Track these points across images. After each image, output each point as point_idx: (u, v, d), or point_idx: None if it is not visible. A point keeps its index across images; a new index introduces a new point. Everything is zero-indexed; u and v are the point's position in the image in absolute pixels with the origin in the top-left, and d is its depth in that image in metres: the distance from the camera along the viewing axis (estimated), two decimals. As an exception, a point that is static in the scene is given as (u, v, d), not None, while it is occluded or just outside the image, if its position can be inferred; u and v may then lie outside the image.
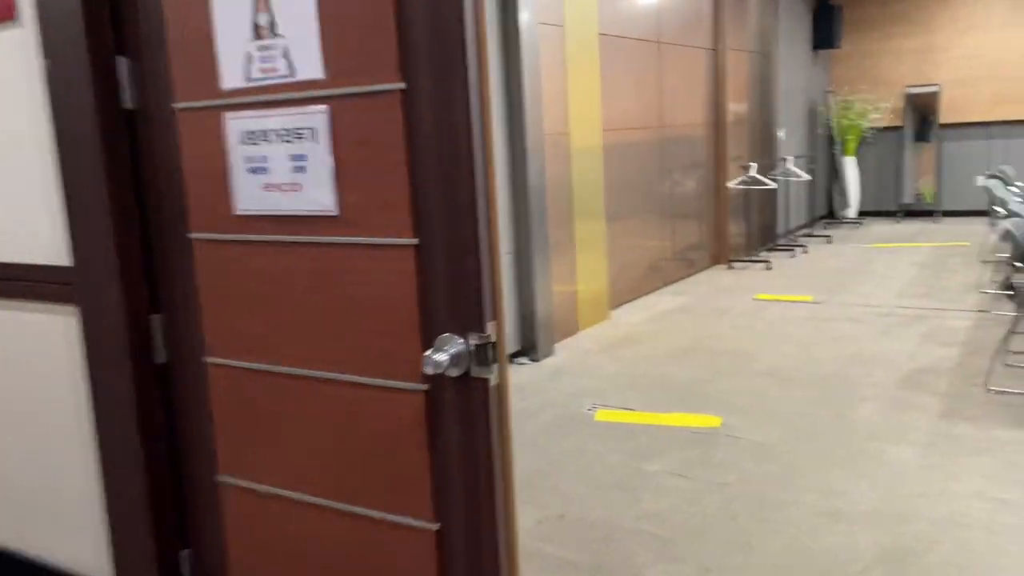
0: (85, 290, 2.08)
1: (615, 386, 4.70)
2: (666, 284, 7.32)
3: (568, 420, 4.19)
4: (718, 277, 7.71)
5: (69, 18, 1.88)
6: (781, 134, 9.26)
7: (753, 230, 8.76)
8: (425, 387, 1.63)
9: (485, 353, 1.56)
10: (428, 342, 1.59)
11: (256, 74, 1.66)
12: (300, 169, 1.67)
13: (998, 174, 7.67)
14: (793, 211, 9.81)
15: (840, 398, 4.30)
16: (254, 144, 1.71)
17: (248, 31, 1.65)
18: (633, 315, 6.34)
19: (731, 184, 8.15)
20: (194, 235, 1.87)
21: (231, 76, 1.70)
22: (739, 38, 8.29)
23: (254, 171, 1.73)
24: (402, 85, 1.53)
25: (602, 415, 4.23)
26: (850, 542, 2.88)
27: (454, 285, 1.57)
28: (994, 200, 6.12)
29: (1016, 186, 7.32)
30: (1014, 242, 4.49)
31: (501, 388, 1.59)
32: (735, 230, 8.41)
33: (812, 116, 10.45)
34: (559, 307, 5.59)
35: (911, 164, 10.56)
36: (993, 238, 7.34)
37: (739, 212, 8.46)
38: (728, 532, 3.00)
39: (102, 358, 2.10)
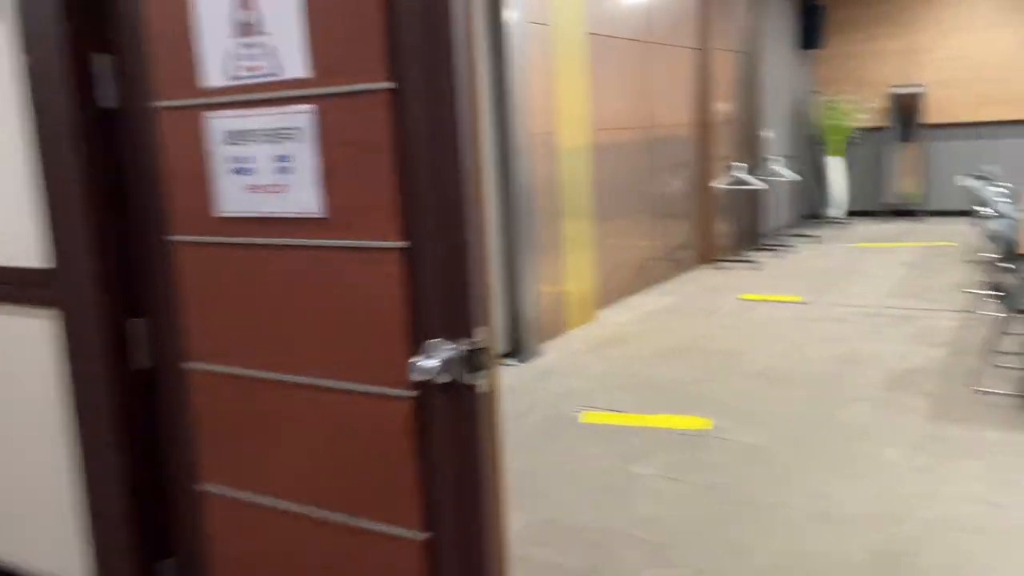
0: (65, 293, 2.03)
1: (604, 387, 4.67)
2: (654, 284, 7.31)
3: (557, 422, 4.16)
4: (706, 277, 7.70)
5: (47, 13, 1.83)
6: (767, 134, 9.27)
7: (740, 230, 8.76)
8: (413, 394, 1.59)
9: (475, 359, 1.52)
10: (416, 348, 1.55)
11: (239, 72, 1.62)
12: (285, 170, 1.63)
13: (981, 174, 7.70)
14: (780, 211, 9.82)
15: (830, 399, 4.29)
16: (237, 144, 1.66)
17: (231, 28, 1.60)
18: (621, 315, 6.32)
19: (718, 184, 8.14)
20: (176, 237, 1.82)
21: (214, 74, 1.65)
22: (726, 38, 8.28)
23: (237, 172, 1.68)
24: (390, 85, 1.49)
25: (591, 417, 4.20)
26: (842, 545, 2.87)
27: (443, 289, 1.54)
28: (978, 200, 6.14)
29: (1001, 186, 7.35)
30: (1002, 243, 4.49)
31: (491, 395, 1.56)
32: (722, 230, 8.41)
33: (798, 116, 10.47)
34: (547, 307, 5.56)
35: (896, 164, 10.60)
36: (977, 238, 7.37)
37: (726, 212, 8.46)
38: (720, 536, 2.98)
39: (82, 362, 2.05)
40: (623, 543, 2.96)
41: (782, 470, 3.49)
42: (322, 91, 1.56)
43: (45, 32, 1.85)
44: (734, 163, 8.18)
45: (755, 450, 3.70)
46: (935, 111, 10.23)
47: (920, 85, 10.24)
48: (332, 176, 1.59)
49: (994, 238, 5.00)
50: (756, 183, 8.17)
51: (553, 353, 5.38)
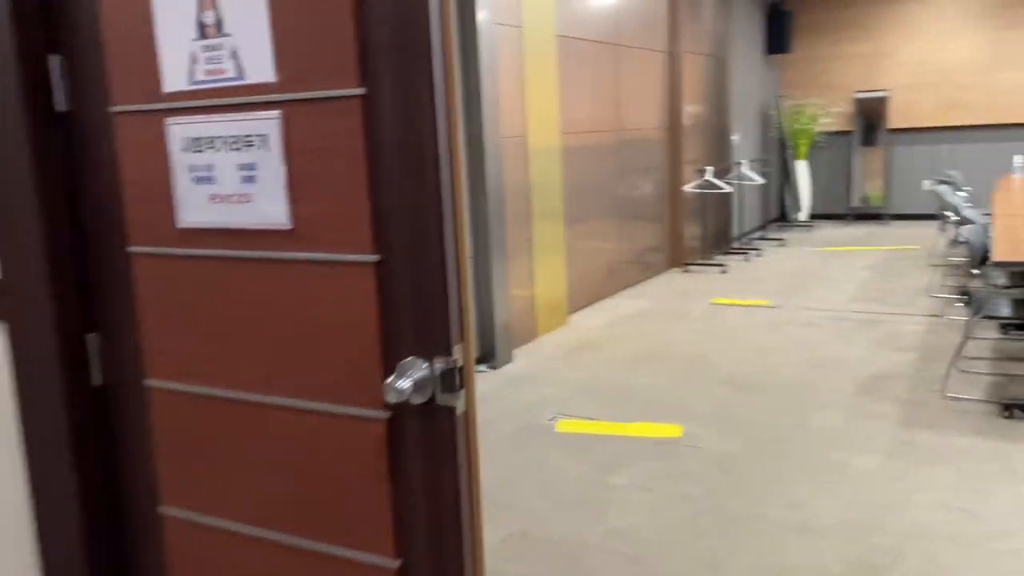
0: (15, 305, 1.92)
1: (576, 394, 4.62)
2: (624, 288, 7.28)
3: (529, 431, 4.10)
4: (675, 281, 7.70)
5: (-5, 12, 1.73)
6: (735, 138, 9.31)
7: (708, 233, 8.78)
8: (386, 415, 1.51)
9: (451, 379, 1.45)
10: (390, 367, 1.48)
11: (201, 76, 1.53)
12: (249, 179, 1.55)
13: (946, 179, 7.80)
14: (747, 214, 9.86)
15: (800, 405, 4.29)
16: (199, 152, 1.58)
17: (193, 30, 1.52)
18: (592, 320, 6.28)
19: (687, 188, 8.15)
20: (134, 249, 1.73)
21: (174, 78, 1.56)
22: (694, 41, 8.30)
23: (199, 181, 1.59)
24: (362, 91, 1.42)
25: (564, 425, 4.15)
26: (817, 557, 2.84)
27: (418, 305, 1.46)
28: (945, 206, 6.20)
29: (963, 191, 7.45)
30: (969, 249, 4.52)
31: (468, 415, 1.49)
32: (691, 233, 8.42)
33: (765, 120, 10.54)
34: (518, 312, 5.51)
35: (861, 168, 10.71)
36: (942, 242, 7.45)
37: (695, 215, 8.47)
38: (695, 548, 2.94)
39: (33, 379, 1.94)
40: (598, 556, 2.91)
41: (755, 479, 3.46)
42: (289, 96, 1.48)
43: (-7, 31, 1.74)
44: (703, 167, 8.19)
45: (728, 458, 3.67)
46: (899, 116, 10.36)
47: (884, 90, 10.35)
48: (300, 186, 1.51)
49: (962, 244, 5.04)
50: (724, 186, 8.20)
51: (525, 359, 5.32)
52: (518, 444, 3.93)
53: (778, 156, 10.93)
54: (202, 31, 1.51)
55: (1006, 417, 3.94)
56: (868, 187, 10.72)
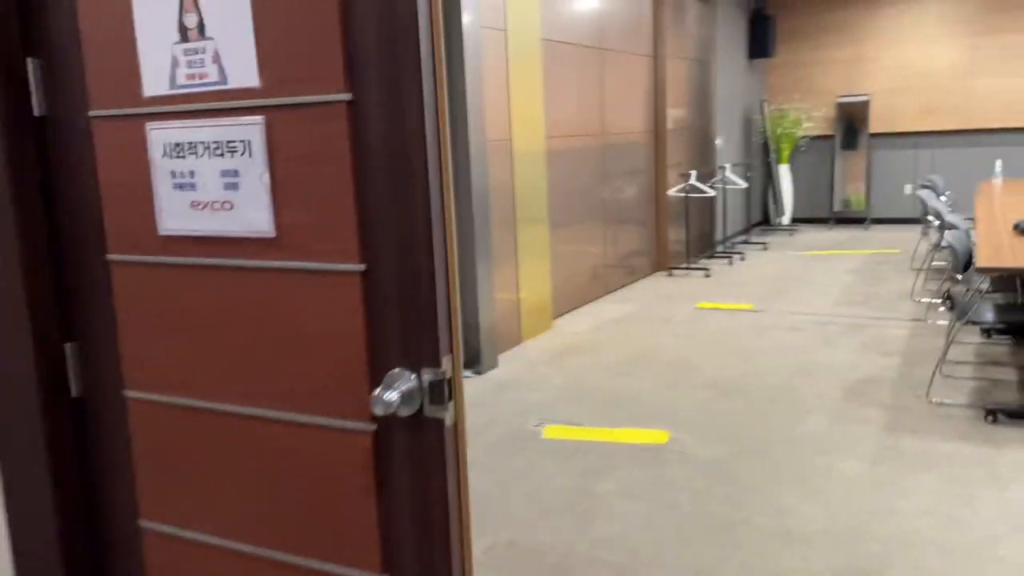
0: (-11, 314, 1.87)
1: (562, 400, 4.60)
2: (608, 292, 7.27)
3: (515, 437, 4.07)
4: (659, 284, 7.70)
5: (-32, 13, 1.68)
6: (719, 142, 9.33)
7: (692, 237, 8.79)
8: (373, 427, 1.48)
9: (440, 390, 1.42)
10: (377, 378, 1.44)
11: (183, 80, 1.50)
12: (232, 186, 1.51)
13: (928, 184, 7.85)
14: (730, 218, 9.89)
15: (786, 410, 4.28)
16: (180, 157, 1.54)
17: (174, 32, 1.48)
18: (577, 324, 6.26)
19: (671, 192, 8.15)
20: (113, 257, 1.69)
21: (154, 82, 1.52)
22: (678, 46, 8.31)
23: (180, 187, 1.56)
24: (348, 96, 1.38)
25: (550, 431, 4.12)
26: (806, 564, 2.83)
27: (406, 315, 1.43)
28: (928, 210, 6.23)
29: (945, 196, 7.50)
30: (952, 255, 4.54)
31: (457, 428, 1.46)
32: (675, 237, 8.43)
33: (748, 124, 10.58)
34: (503, 316, 5.48)
35: (842, 172, 10.77)
36: (924, 247, 7.50)
37: (679, 219, 8.48)
38: (682, 557, 2.92)
39: (8, 389, 1.89)
40: (585, 566, 2.88)
41: (742, 486, 3.45)
42: (273, 101, 1.44)
43: (-33, 32, 1.69)
44: (687, 171, 8.20)
45: (715, 465, 3.66)
46: (879, 120, 10.43)
47: (866, 94, 10.42)
48: (284, 193, 1.48)
49: (945, 249, 5.06)
50: (708, 191, 8.21)
51: (510, 364, 5.29)
52: (504, 451, 3.90)
53: (761, 160, 10.98)
54: (184, 34, 1.47)
55: (990, 422, 3.95)
56: (849, 191, 10.78)
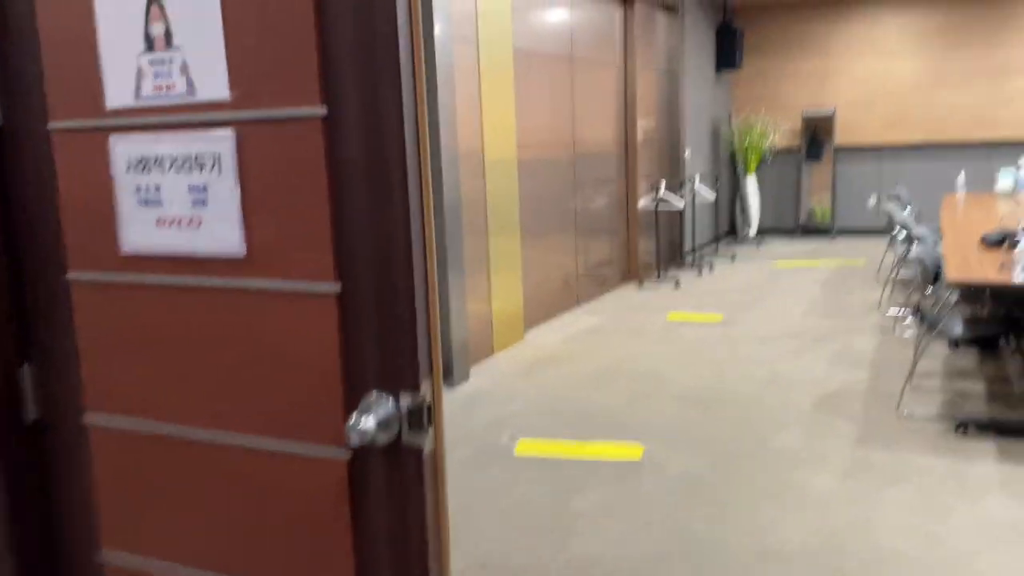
0: (-60, 334, 1.77)
1: (535, 413, 4.55)
2: (579, 303, 7.25)
3: (488, 453, 4.01)
4: (629, 295, 7.69)
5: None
6: (687, 153, 9.37)
7: (662, 248, 8.81)
8: (347, 455, 1.42)
9: (419, 416, 1.36)
10: (352, 403, 1.38)
11: (148, 91, 1.43)
12: (200, 202, 1.44)
13: (894, 196, 7.94)
14: (699, 229, 9.94)
15: (759, 424, 4.27)
16: (145, 172, 1.47)
17: (139, 41, 1.41)
18: (548, 336, 6.22)
19: (641, 202, 8.16)
20: (73, 275, 1.61)
21: (118, 93, 1.45)
22: (647, 57, 8.34)
23: (145, 203, 1.48)
24: (324, 110, 1.33)
25: (523, 446, 4.07)
26: (783, 582, 2.80)
27: (384, 337, 1.38)
28: (896, 223, 6.29)
29: (909, 208, 7.59)
30: (921, 268, 4.58)
31: (437, 455, 1.40)
32: (644, 248, 8.44)
33: (716, 136, 10.65)
34: (474, 328, 5.42)
35: (808, 184, 10.88)
36: (890, 258, 7.58)
37: (648, 230, 8.50)
38: None
39: (-40, 413, 1.79)
40: (561, 585, 2.83)
41: (718, 502, 3.42)
42: (245, 115, 1.38)
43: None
44: (657, 181, 8.22)
45: (689, 481, 3.63)
46: (844, 132, 10.56)
47: (831, 107, 10.54)
48: (255, 210, 1.41)
49: (912, 261, 5.10)
50: (677, 201, 8.23)
51: (482, 377, 5.23)
52: (476, 467, 3.84)
53: (728, 171, 11.05)
54: (150, 43, 1.40)
55: (960, 434, 3.97)
56: (815, 202, 10.90)
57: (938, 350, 5.22)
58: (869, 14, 10.28)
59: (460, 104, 5.16)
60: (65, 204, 1.58)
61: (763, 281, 8.08)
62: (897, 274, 7.04)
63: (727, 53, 10.45)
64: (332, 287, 1.38)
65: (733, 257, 9.52)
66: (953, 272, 4.07)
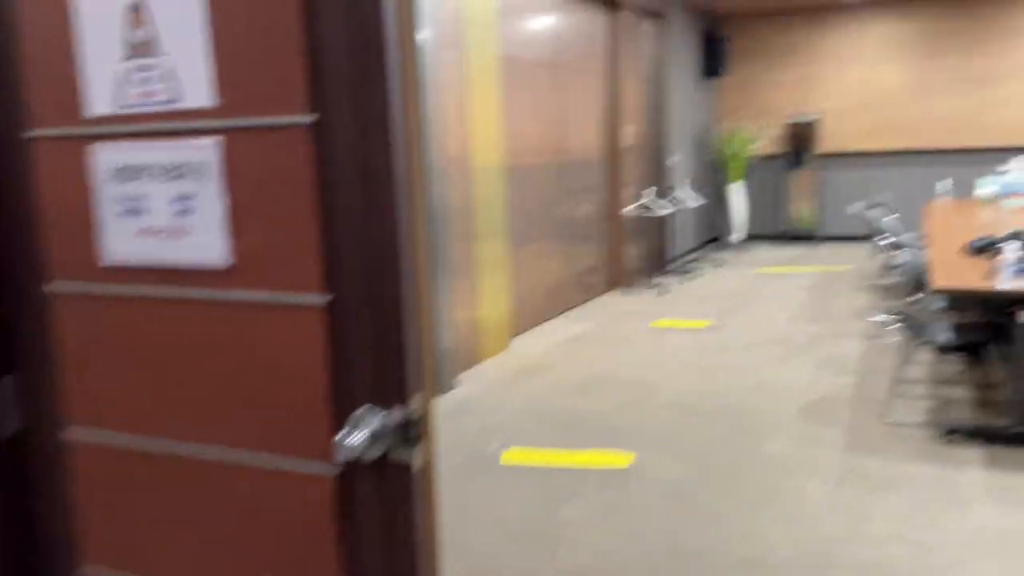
0: (-85, 346, 1.73)
1: (522, 422, 4.52)
2: (565, 310, 7.23)
3: (475, 462, 3.97)
4: (615, 302, 7.68)
5: None
6: (673, 160, 9.39)
7: (647, 255, 8.81)
8: (335, 471, 1.38)
9: (409, 431, 1.33)
10: (340, 417, 1.35)
11: (131, 99, 1.39)
12: (185, 212, 1.41)
13: (877, 203, 7.98)
14: (684, 235, 9.95)
15: (747, 431, 4.26)
16: (128, 181, 1.43)
17: (121, 48, 1.38)
18: (535, 343, 6.19)
19: (627, 209, 8.16)
20: (54, 286, 1.57)
21: (99, 100, 1.42)
22: (633, 64, 8.35)
23: (127, 213, 1.45)
24: (311, 118, 1.30)
25: (510, 455, 4.04)
26: (773, 592, 2.79)
27: (373, 350, 1.35)
28: (879, 230, 6.31)
29: (894, 215, 7.62)
30: (907, 275, 4.59)
31: (427, 471, 1.37)
32: (630, 254, 8.43)
33: (701, 143, 10.68)
34: (461, 336, 5.39)
35: (792, 190, 10.93)
36: (874, 264, 7.62)
37: (634, 237, 8.50)
38: (649, 586, 2.86)
39: (-64, 428, 1.75)
40: (550, 597, 2.80)
41: (707, 511, 3.40)
42: (231, 123, 1.35)
43: None
44: (642, 188, 8.23)
45: (679, 489, 3.61)
46: (828, 139, 10.61)
47: (815, 114, 10.60)
48: (241, 220, 1.38)
49: (898, 268, 5.12)
50: (663, 208, 8.23)
51: (469, 385, 5.20)
52: (463, 477, 3.80)
53: (714, 178, 11.08)
54: (132, 49, 1.37)
55: (947, 442, 3.98)
56: (800, 209, 10.94)
57: (923, 356, 5.23)
58: (853, 23, 10.35)
59: (447, 111, 5.13)
60: (44, 214, 1.55)
61: (748, 287, 8.09)
62: (882, 280, 7.06)
63: (712, 61, 10.48)
64: (320, 299, 1.35)
65: (719, 263, 9.54)
66: (939, 279, 4.08)
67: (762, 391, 4.87)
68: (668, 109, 9.20)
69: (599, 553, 3.07)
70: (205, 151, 1.37)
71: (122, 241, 1.46)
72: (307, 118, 1.30)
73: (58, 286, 1.56)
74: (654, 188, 8.43)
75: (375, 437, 1.32)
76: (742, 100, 11.02)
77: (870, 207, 7.70)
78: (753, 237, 11.02)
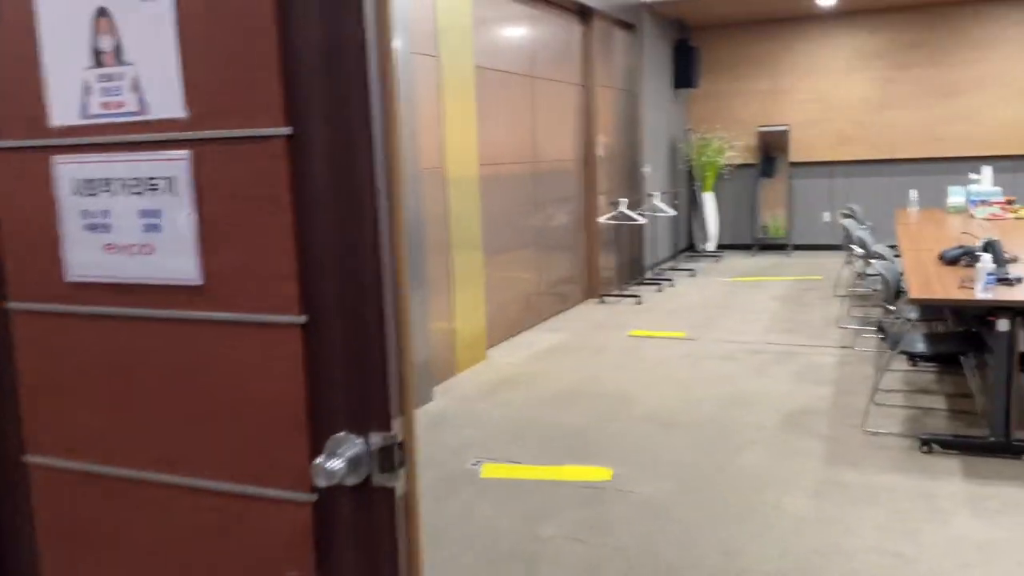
0: None
1: (500, 436, 4.46)
2: (541, 320, 7.19)
3: (452, 477, 3.91)
4: (591, 312, 7.66)
5: None
6: (647, 169, 9.40)
7: (622, 264, 8.81)
8: (313, 498, 1.32)
9: (390, 456, 1.28)
10: (318, 443, 1.29)
11: (96, 109, 1.33)
12: (153, 227, 1.34)
13: (849, 212, 8.04)
14: (658, 245, 9.96)
15: (726, 443, 4.24)
16: (92, 195, 1.37)
17: (86, 56, 1.31)
18: (511, 355, 6.14)
19: (602, 219, 8.15)
20: (13, 305, 1.49)
21: (63, 111, 1.35)
22: (607, 75, 8.35)
23: (92, 228, 1.38)
24: (287, 130, 1.24)
25: (488, 470, 3.98)
26: (757, 608, 2.75)
27: (352, 372, 1.29)
28: (852, 239, 6.35)
29: (865, 225, 7.68)
30: (883, 284, 4.60)
31: (410, 496, 1.31)
32: (605, 264, 8.42)
33: (674, 153, 10.71)
34: (437, 348, 5.32)
35: (763, 200, 10.99)
36: (846, 273, 7.66)
37: (609, 246, 8.49)
38: (631, 603, 2.81)
39: None
40: (531, 617, 2.74)
41: (688, 525, 3.37)
42: (201, 135, 1.29)
43: None
44: (617, 198, 8.22)
45: (658, 503, 3.57)
46: (798, 149, 10.69)
47: (785, 125, 10.68)
48: (213, 236, 1.32)
49: (872, 277, 5.14)
50: (637, 218, 8.24)
51: (445, 398, 5.13)
52: (441, 492, 3.74)
53: (686, 188, 11.12)
54: (98, 58, 1.31)
55: (925, 452, 3.98)
56: (771, 218, 11.01)
57: (898, 366, 5.25)
58: (822, 35, 10.46)
59: (421, 121, 5.08)
60: (4, 229, 1.47)
61: (723, 297, 8.10)
62: (854, 289, 7.10)
63: (684, 72, 10.53)
64: (296, 319, 1.29)
65: (693, 272, 9.55)
66: (915, 290, 4.09)
67: (740, 402, 4.86)
68: (642, 119, 9.22)
69: (581, 570, 3.02)
70: (175, 164, 1.31)
71: (87, 257, 1.40)
72: (283, 130, 1.25)
73: (19, 305, 1.49)
74: (628, 198, 8.42)
75: (354, 463, 1.26)
76: (713, 110, 11.08)
77: (844, 216, 7.76)
78: (726, 246, 11.06)
